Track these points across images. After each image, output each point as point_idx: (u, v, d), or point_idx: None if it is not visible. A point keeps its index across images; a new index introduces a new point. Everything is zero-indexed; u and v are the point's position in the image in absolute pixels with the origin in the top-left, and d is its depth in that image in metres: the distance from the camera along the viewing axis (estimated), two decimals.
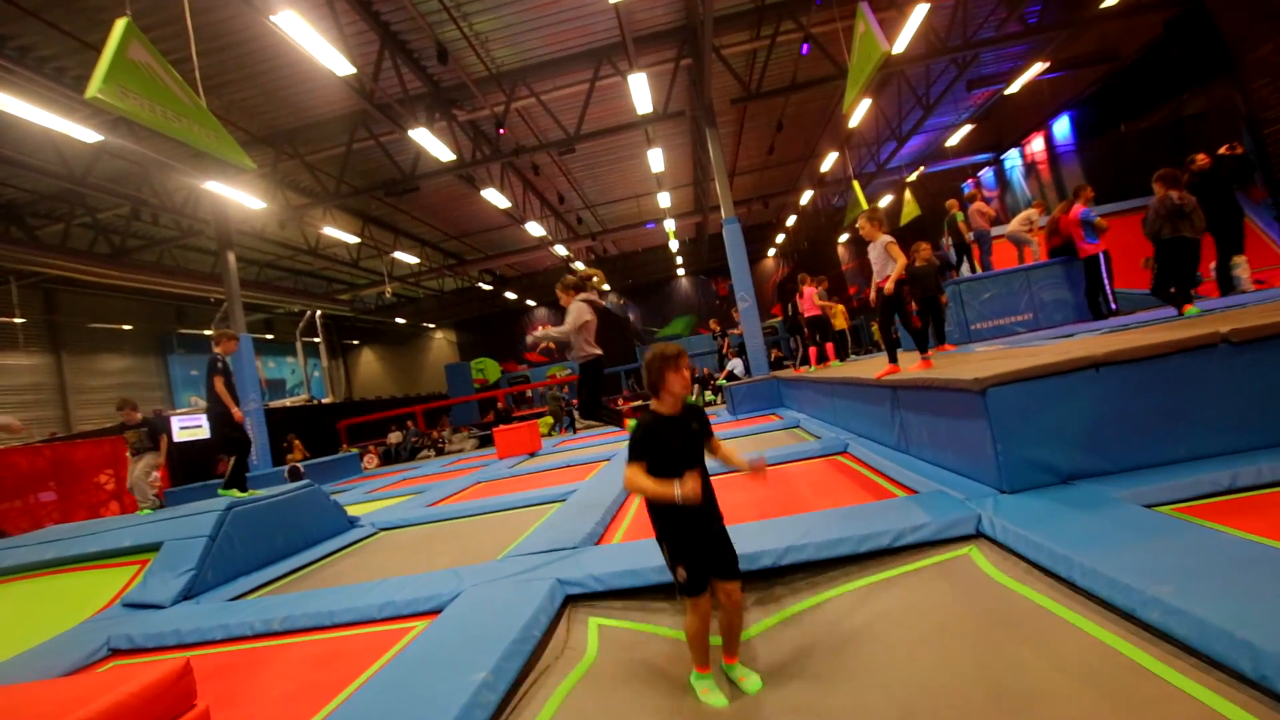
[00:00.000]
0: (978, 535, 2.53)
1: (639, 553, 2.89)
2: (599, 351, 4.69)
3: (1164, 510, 2.27)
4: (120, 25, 4.38)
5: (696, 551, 2.05)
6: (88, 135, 8.02)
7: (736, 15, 10.25)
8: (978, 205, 8.96)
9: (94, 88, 4.06)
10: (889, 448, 4.35)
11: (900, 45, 9.78)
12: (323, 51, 7.38)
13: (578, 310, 4.63)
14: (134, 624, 3.40)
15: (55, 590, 4.34)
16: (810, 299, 8.57)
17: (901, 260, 4.37)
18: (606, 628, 2.49)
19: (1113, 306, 6.63)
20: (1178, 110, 12.69)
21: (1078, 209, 7.02)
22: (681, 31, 10.37)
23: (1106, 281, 6.85)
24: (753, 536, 2.75)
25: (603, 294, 5.27)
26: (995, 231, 9.40)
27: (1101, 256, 6.85)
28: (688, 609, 2.06)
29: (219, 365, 5.45)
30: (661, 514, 2.10)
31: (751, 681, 2.02)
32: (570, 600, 2.67)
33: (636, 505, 4.43)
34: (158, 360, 19.89)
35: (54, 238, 12.60)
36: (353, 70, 7.95)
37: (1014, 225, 8.93)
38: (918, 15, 9.23)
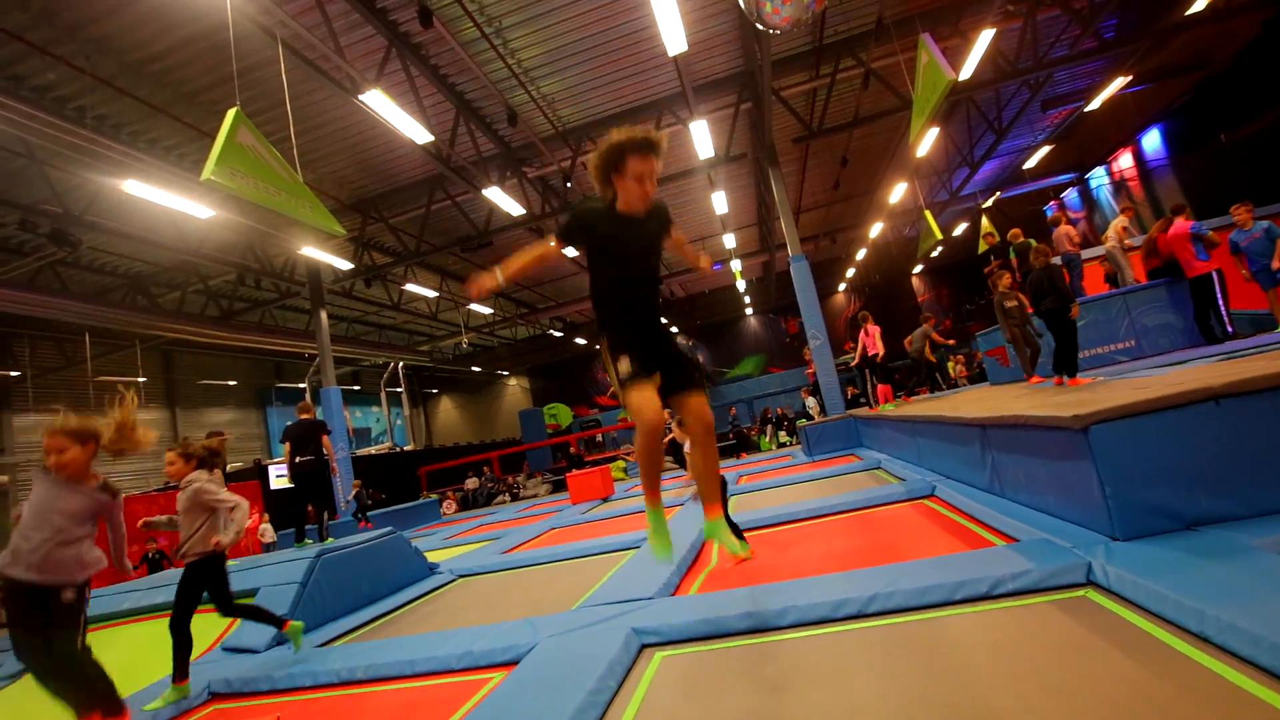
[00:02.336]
0: (1088, 584, 2.30)
1: (718, 603, 2.80)
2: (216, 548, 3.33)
3: None
4: (231, 115, 4.89)
5: (642, 343, 1.89)
6: (203, 212, 8.91)
7: (795, 57, 10.35)
8: (1064, 229, 8.49)
9: (208, 172, 4.53)
10: (981, 490, 4.06)
11: (966, 72, 9.57)
12: (405, 123, 7.97)
13: (196, 492, 3.36)
14: (231, 668, 3.56)
15: (164, 633, 4.61)
16: (874, 337, 8.29)
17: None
18: (674, 660, 2.40)
19: (1228, 330, 6.06)
20: None
21: (1182, 225, 6.54)
22: (740, 77, 10.56)
23: (1221, 302, 6.29)
24: (834, 586, 2.61)
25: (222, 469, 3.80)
26: (1088, 254, 8.85)
27: (1215, 275, 6.32)
28: (634, 417, 1.85)
29: (329, 428, 5.91)
30: (605, 303, 2.02)
31: (740, 546, 1.94)
32: (645, 649, 2.61)
33: (716, 556, 4.31)
34: (258, 413, 21.38)
35: (172, 304, 13.94)
36: (431, 138, 8.52)
37: (1111, 241, 8.37)
38: (983, 41, 9.04)
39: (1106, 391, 3.23)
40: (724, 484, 3.32)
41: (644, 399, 1.88)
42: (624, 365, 1.91)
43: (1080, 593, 2.28)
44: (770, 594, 2.75)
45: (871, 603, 2.47)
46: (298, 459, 6.32)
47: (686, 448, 3.43)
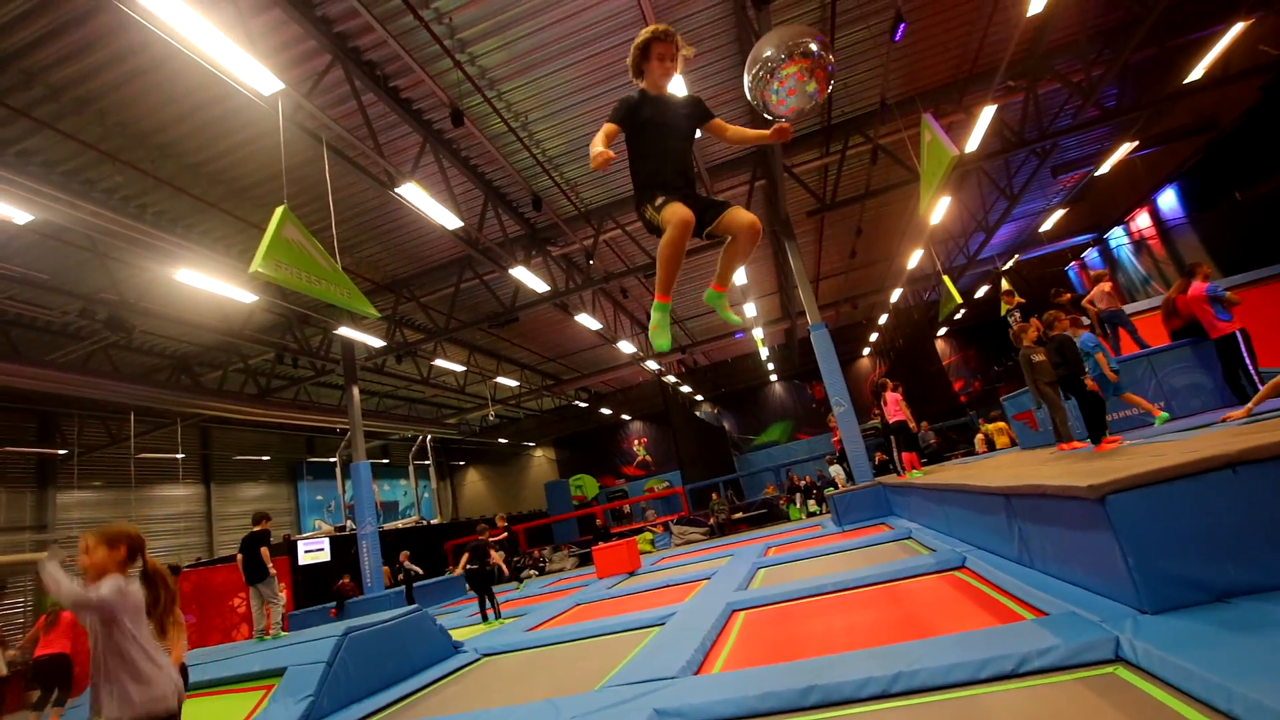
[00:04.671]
0: (1116, 660, 2.26)
1: (741, 683, 2.77)
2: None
3: None
4: (279, 213, 5.32)
5: (679, 193, 2.26)
6: (247, 297, 9.45)
7: (805, 136, 10.85)
8: (1103, 286, 8.54)
9: (256, 264, 4.89)
10: (1010, 561, 3.98)
11: (972, 145, 9.90)
12: (437, 211, 8.48)
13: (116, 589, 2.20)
14: None
15: (193, 715, 4.62)
16: (894, 404, 8.25)
17: None
18: None
19: (1259, 388, 5.94)
20: None
21: (1198, 287, 6.54)
22: (753, 156, 11.06)
23: (1249, 361, 6.19)
24: (859, 664, 2.59)
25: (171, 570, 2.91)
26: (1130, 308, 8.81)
27: (1239, 335, 6.25)
28: (667, 221, 2.16)
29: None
30: (645, 178, 2.42)
31: (732, 315, 2.36)
32: None
33: (737, 631, 4.25)
34: (289, 487, 21.67)
35: (214, 382, 14.51)
36: (461, 223, 9.02)
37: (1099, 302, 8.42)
38: (986, 116, 9.40)
39: (1126, 459, 3.22)
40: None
41: (676, 206, 2.21)
42: (659, 199, 2.29)
43: (1109, 669, 2.24)
44: (794, 672, 2.73)
45: (896, 681, 2.44)
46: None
47: None
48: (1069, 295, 8.22)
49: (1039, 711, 2.10)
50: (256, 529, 7.36)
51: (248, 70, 5.45)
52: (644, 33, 2.59)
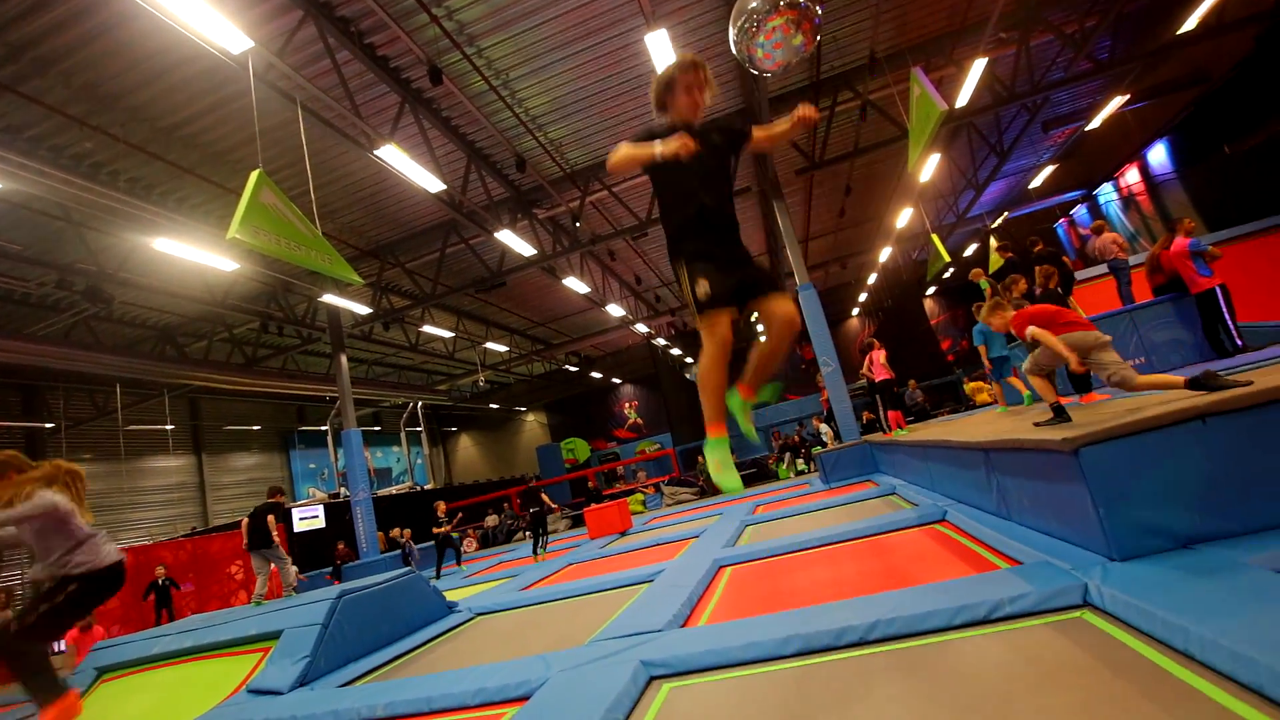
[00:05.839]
0: (1084, 605, 2.34)
1: (725, 634, 2.86)
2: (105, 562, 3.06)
3: None
4: (254, 177, 5.19)
5: (720, 261, 1.88)
6: (228, 265, 9.30)
7: (793, 92, 10.64)
8: (1108, 236, 8.61)
9: (233, 231, 4.80)
10: (989, 514, 4.08)
11: (963, 99, 9.76)
12: (418, 174, 8.31)
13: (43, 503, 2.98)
14: (256, 710, 3.64)
15: (192, 677, 4.73)
16: (878, 364, 8.31)
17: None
18: (681, 692, 2.45)
19: (1238, 343, 6.03)
20: None
21: (1181, 241, 6.57)
22: (740, 114, 10.86)
23: (1228, 316, 6.27)
24: (839, 614, 2.67)
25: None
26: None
27: (1219, 290, 6.32)
28: (705, 335, 1.87)
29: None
30: (675, 230, 2.02)
31: (749, 429, 1.91)
32: (654, 680, 2.67)
33: (724, 586, 4.35)
34: (281, 456, 21.73)
35: (198, 353, 14.39)
36: (444, 186, 8.86)
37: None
38: (977, 69, 9.24)
39: (1103, 412, 3.27)
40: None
41: (718, 320, 1.92)
42: (702, 288, 1.94)
43: (1076, 614, 2.32)
44: (775, 624, 2.81)
45: (874, 629, 2.52)
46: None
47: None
48: (1042, 245, 8.29)
49: (1008, 654, 2.18)
50: (270, 500, 7.88)
51: (215, 27, 5.25)
52: (668, 67, 2.33)
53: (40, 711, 2.82)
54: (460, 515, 14.52)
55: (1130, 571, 2.33)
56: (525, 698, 2.80)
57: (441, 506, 11.88)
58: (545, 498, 10.09)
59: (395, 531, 12.26)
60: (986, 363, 6.84)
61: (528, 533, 17.04)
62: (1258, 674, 1.55)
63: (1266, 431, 2.44)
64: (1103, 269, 9.36)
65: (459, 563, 11.20)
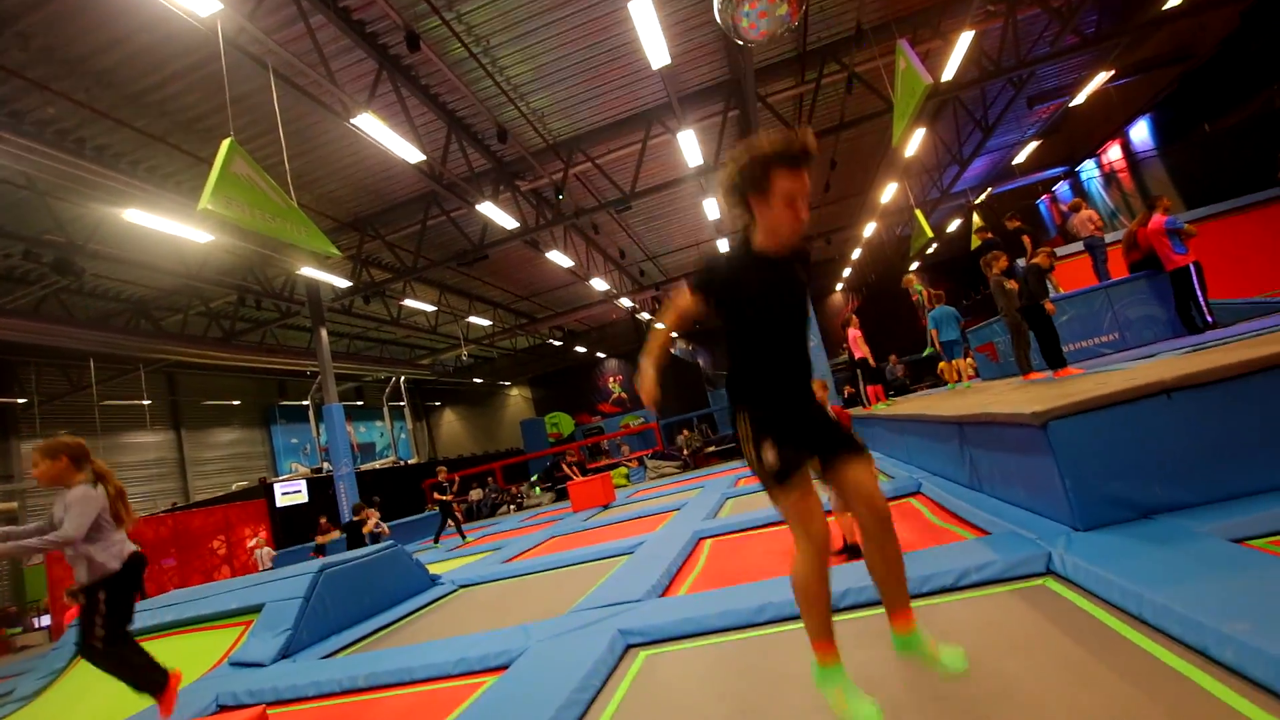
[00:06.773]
0: (1047, 573, 2.42)
1: (701, 604, 2.91)
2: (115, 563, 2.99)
3: (1254, 544, 2.10)
4: (225, 145, 5.05)
5: (792, 424, 1.48)
6: (202, 236, 9.07)
7: (779, 64, 10.50)
8: (1085, 213, 8.68)
9: (204, 202, 4.68)
10: (962, 486, 4.17)
11: (949, 73, 9.70)
12: (397, 144, 8.12)
13: (84, 497, 2.88)
14: (239, 682, 3.67)
15: (174, 650, 4.73)
16: (857, 341, 8.32)
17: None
18: (656, 659, 2.51)
19: (1208, 320, 6.15)
20: (1270, 102, 11.84)
21: (1159, 219, 6.64)
22: (726, 85, 10.71)
23: (1200, 293, 6.38)
24: None
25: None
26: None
27: (1192, 267, 6.41)
28: (793, 525, 1.42)
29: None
30: (744, 383, 1.58)
31: (952, 656, 1.39)
32: (631, 649, 2.72)
33: (704, 558, 4.42)
34: (262, 431, 21.55)
35: (175, 327, 14.12)
36: (423, 157, 8.67)
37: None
38: (964, 42, 9.17)
39: (1073, 386, 3.34)
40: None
41: (805, 506, 1.47)
42: (770, 455, 1.52)
43: (1039, 581, 2.40)
44: (750, 593, 2.87)
45: (844, 597, 2.58)
46: None
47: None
48: (1018, 221, 8.40)
49: (973, 619, 2.25)
50: (355, 519, 9.13)
51: None
52: (764, 144, 1.60)
53: (156, 703, 2.99)
54: (457, 483, 14.04)
55: (1092, 541, 2.41)
56: (505, 666, 2.84)
57: (443, 472, 11.86)
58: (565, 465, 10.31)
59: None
60: (937, 345, 7.76)
61: (511, 506, 17.18)
62: (1203, 636, 1.62)
63: (1229, 405, 2.51)
64: (1079, 246, 9.46)
65: (460, 533, 11.12)
